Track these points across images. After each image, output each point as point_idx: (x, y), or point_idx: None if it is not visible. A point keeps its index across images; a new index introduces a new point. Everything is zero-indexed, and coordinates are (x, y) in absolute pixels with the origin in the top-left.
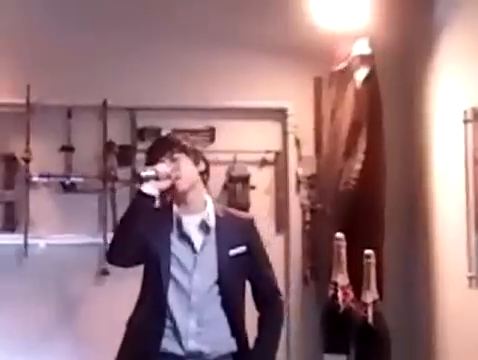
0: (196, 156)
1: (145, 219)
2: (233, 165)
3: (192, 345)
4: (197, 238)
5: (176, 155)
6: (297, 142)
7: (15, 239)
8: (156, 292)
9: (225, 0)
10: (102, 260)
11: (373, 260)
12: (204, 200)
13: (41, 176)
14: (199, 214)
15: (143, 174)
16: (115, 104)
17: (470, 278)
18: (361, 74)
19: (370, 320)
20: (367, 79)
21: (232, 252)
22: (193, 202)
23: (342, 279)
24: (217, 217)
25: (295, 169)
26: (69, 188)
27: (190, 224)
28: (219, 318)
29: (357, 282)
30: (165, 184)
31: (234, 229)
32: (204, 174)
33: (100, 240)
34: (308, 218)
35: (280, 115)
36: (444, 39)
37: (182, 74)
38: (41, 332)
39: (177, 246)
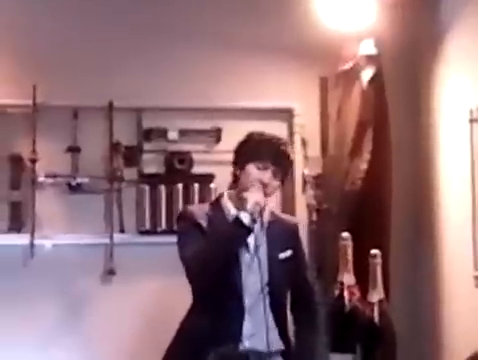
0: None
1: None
2: None
3: (247, 345)
4: (251, 240)
5: (278, 177)
6: (303, 142)
7: (21, 239)
8: (226, 297)
9: (230, 1)
10: (108, 260)
11: (379, 260)
12: None
13: (47, 176)
14: None
15: (255, 215)
16: (121, 105)
17: (476, 278)
18: (367, 74)
19: (376, 319)
20: (373, 79)
21: (281, 255)
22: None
23: (348, 279)
24: (268, 221)
25: (301, 169)
26: (75, 188)
27: None
28: (268, 319)
29: (363, 282)
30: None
31: (282, 233)
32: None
33: (106, 240)
34: (314, 218)
35: (286, 115)
36: (450, 39)
37: (188, 75)
38: (47, 332)
39: None
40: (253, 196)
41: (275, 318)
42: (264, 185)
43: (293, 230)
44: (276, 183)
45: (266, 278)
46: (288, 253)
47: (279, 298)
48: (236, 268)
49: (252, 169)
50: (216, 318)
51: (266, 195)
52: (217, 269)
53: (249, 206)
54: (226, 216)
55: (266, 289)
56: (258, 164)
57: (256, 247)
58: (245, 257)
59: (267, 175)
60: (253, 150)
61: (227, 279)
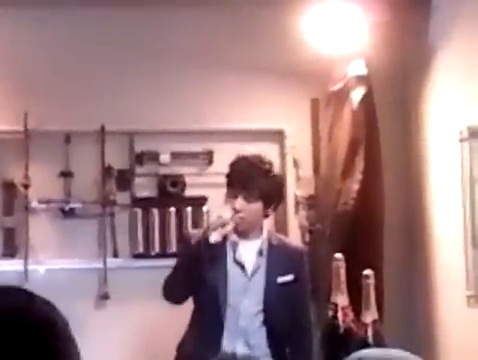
0: (274, 203)
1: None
2: None
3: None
4: (250, 264)
5: (253, 199)
6: (295, 163)
7: (15, 265)
8: (211, 319)
9: (221, 24)
10: (102, 284)
11: (372, 280)
12: (260, 227)
13: (40, 202)
14: (254, 240)
15: (212, 225)
16: (113, 129)
17: (469, 297)
18: (357, 94)
19: (370, 340)
20: (363, 99)
21: (280, 280)
22: (250, 230)
23: (342, 300)
24: (270, 244)
25: (293, 190)
26: (68, 213)
27: (245, 249)
28: (263, 342)
29: (356, 302)
30: (229, 228)
31: (284, 257)
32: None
33: (100, 265)
34: (307, 239)
35: (278, 137)
36: (439, 59)
37: (179, 98)
38: None
39: (230, 270)
40: (219, 212)
41: (270, 343)
42: (236, 211)
43: (298, 256)
44: (253, 206)
45: (262, 302)
46: (289, 277)
47: (275, 323)
48: (222, 289)
49: (226, 198)
50: (198, 337)
51: (244, 218)
52: (179, 282)
53: (212, 219)
54: None
55: (261, 314)
56: (229, 193)
57: (254, 271)
58: (241, 280)
59: (238, 202)
60: (227, 180)
61: (212, 299)
